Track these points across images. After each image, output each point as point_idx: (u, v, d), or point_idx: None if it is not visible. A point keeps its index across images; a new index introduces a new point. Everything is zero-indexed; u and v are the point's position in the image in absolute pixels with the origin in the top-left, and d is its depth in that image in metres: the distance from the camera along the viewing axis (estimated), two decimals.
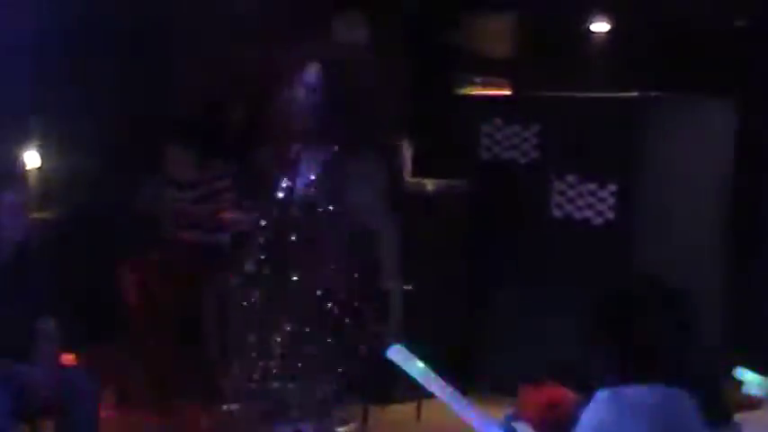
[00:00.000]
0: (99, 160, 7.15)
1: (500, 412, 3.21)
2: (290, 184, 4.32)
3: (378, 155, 4.27)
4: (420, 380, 3.01)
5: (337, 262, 4.40)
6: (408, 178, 7.29)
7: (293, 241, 4.29)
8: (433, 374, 3.02)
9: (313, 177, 4.21)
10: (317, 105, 4.25)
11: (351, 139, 4.14)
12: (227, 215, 6.88)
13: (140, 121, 7.31)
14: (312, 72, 4.27)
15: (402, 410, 6.95)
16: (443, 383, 2.96)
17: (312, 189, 4.21)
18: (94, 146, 7.16)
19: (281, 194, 4.33)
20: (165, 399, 6.65)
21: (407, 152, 7.18)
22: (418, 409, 6.81)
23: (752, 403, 3.75)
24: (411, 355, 3.05)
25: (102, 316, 7.30)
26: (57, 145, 7.23)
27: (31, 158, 7.12)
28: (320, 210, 4.18)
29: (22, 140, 7.08)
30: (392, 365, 3.08)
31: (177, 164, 7.00)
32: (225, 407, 6.56)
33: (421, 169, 7.57)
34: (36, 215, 6.09)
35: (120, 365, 6.74)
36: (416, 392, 5.54)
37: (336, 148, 4.11)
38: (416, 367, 3.00)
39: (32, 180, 7.07)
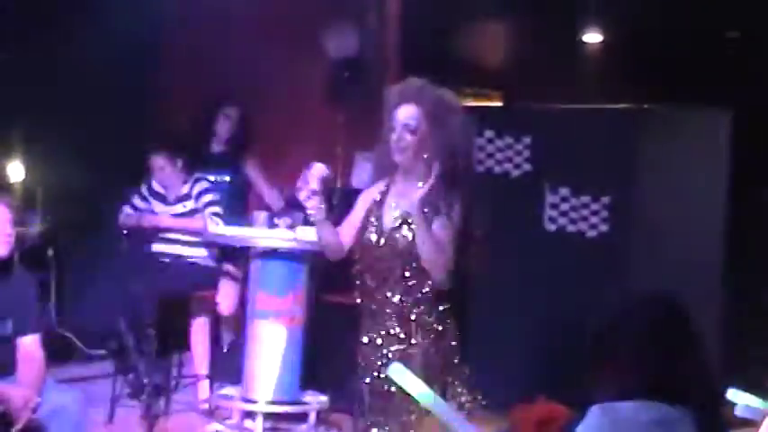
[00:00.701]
0: (83, 173, 7.10)
1: (491, 429, 3.17)
2: (378, 219, 4.36)
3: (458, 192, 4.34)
4: (419, 397, 3.00)
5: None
6: None
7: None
8: (430, 391, 3.01)
9: (407, 211, 4.26)
10: (413, 144, 4.29)
11: (441, 179, 4.19)
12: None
13: (126, 132, 7.26)
14: (409, 113, 4.30)
15: None
16: (441, 401, 2.94)
17: (402, 223, 4.27)
18: (79, 159, 7.10)
19: (371, 231, 4.36)
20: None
21: None
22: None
23: (744, 424, 3.72)
24: (410, 373, 3.06)
25: (91, 331, 7.23)
26: (41, 158, 7.18)
27: (16, 171, 7.07)
28: (408, 241, 4.24)
29: (5, 153, 7.03)
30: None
31: (162, 176, 6.92)
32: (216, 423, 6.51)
33: None
34: (21, 228, 6.01)
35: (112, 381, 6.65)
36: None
37: (431, 184, 4.14)
38: (415, 385, 3.00)
39: (17, 193, 7.02)
